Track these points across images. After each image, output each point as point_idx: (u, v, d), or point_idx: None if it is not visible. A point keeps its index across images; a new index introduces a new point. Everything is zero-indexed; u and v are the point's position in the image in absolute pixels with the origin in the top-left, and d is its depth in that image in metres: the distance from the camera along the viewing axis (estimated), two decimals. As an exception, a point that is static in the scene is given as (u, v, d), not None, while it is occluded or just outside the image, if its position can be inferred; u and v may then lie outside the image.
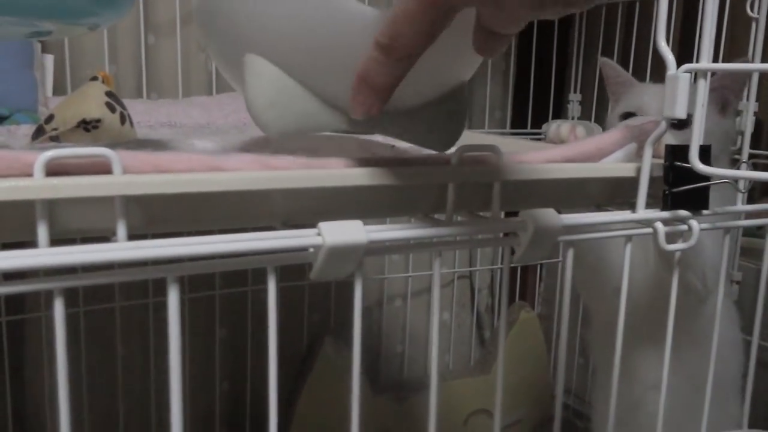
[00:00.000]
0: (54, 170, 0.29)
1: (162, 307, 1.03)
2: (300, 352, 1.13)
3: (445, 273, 1.29)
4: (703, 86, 0.41)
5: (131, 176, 0.30)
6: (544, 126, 1.33)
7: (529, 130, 1.31)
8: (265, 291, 1.14)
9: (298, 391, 1.07)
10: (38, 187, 0.28)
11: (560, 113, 1.34)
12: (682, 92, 0.41)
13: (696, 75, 0.42)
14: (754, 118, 1.00)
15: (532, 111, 1.30)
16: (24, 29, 0.43)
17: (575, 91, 1.32)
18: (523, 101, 1.30)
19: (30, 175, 0.29)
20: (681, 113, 0.41)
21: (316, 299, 1.16)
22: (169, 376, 0.32)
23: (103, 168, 0.30)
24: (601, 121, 1.28)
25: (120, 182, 0.30)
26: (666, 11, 0.42)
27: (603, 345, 0.88)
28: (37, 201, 0.29)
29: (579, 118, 1.32)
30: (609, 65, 0.88)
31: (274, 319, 0.35)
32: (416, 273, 1.24)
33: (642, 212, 0.44)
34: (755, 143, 1.01)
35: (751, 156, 1.02)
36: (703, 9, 1.05)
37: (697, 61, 0.41)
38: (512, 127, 1.32)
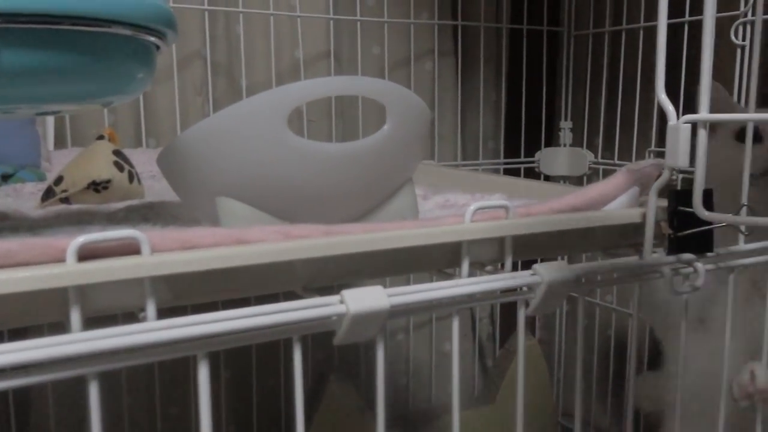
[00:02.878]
0: (85, 254, 0.30)
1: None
2: (305, 391, 1.13)
3: (445, 304, 1.29)
4: (704, 136, 0.43)
5: (160, 256, 0.31)
6: (537, 154, 1.35)
7: (522, 159, 1.32)
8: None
9: (305, 429, 1.07)
10: (72, 273, 0.29)
11: (552, 141, 1.36)
12: (684, 142, 0.42)
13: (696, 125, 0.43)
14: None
15: (524, 140, 1.32)
16: (34, 110, 0.43)
17: (566, 119, 1.34)
18: (515, 131, 1.32)
19: (62, 260, 0.30)
20: (684, 163, 0.42)
21: (320, 337, 1.16)
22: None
23: (132, 248, 0.31)
24: (593, 147, 1.30)
25: (150, 263, 0.31)
26: (664, 64, 0.43)
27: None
28: (70, 287, 0.29)
29: (571, 145, 1.34)
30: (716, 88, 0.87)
31: (299, 383, 0.36)
32: (417, 305, 1.24)
33: (649, 258, 0.45)
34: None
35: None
36: (687, 50, 1.07)
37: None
38: (506, 156, 1.34)
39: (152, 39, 0.35)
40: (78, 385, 0.93)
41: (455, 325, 0.39)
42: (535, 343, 1.30)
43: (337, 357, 1.17)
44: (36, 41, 0.29)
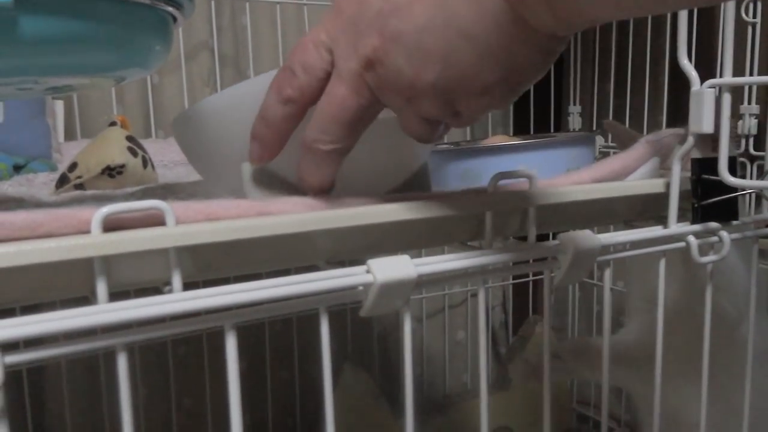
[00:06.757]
0: (109, 225, 0.30)
1: (181, 343, 1.03)
2: (318, 379, 1.12)
3: (458, 292, 1.29)
4: (728, 100, 0.42)
5: (185, 227, 0.31)
6: (547, 139, 1.34)
7: (531, 144, 1.31)
8: (281, 322, 1.12)
9: (320, 419, 1.07)
10: (97, 243, 0.28)
11: (561, 126, 1.35)
12: (708, 107, 0.42)
13: (720, 89, 0.42)
14: (756, 120, 1.02)
15: (533, 125, 1.31)
16: (48, 85, 0.42)
17: (575, 104, 1.33)
18: (524, 116, 1.31)
19: (87, 231, 0.29)
20: (708, 128, 0.42)
21: (334, 326, 1.15)
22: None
23: (156, 220, 0.31)
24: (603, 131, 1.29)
25: (175, 233, 0.30)
26: (686, 30, 0.42)
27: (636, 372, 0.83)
28: (95, 258, 0.29)
29: (580, 130, 1.33)
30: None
31: (327, 357, 0.35)
32: (429, 294, 1.24)
33: (674, 227, 0.45)
34: (758, 145, 1.02)
35: (754, 158, 1.03)
36: (706, 21, 1.06)
37: (720, 76, 0.42)
38: (515, 142, 1.33)
39: (170, 9, 0.34)
40: (92, 371, 0.92)
41: (481, 295, 0.39)
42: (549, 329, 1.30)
43: (350, 346, 1.17)
44: (55, 7, 0.29)
